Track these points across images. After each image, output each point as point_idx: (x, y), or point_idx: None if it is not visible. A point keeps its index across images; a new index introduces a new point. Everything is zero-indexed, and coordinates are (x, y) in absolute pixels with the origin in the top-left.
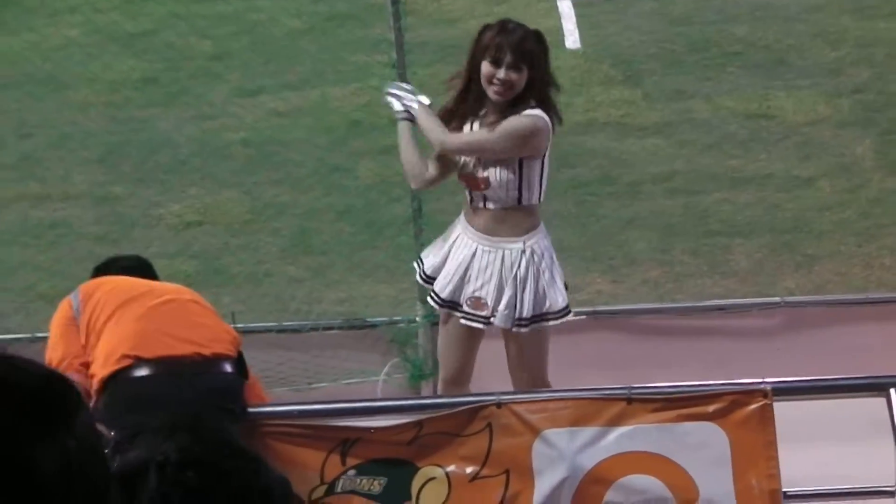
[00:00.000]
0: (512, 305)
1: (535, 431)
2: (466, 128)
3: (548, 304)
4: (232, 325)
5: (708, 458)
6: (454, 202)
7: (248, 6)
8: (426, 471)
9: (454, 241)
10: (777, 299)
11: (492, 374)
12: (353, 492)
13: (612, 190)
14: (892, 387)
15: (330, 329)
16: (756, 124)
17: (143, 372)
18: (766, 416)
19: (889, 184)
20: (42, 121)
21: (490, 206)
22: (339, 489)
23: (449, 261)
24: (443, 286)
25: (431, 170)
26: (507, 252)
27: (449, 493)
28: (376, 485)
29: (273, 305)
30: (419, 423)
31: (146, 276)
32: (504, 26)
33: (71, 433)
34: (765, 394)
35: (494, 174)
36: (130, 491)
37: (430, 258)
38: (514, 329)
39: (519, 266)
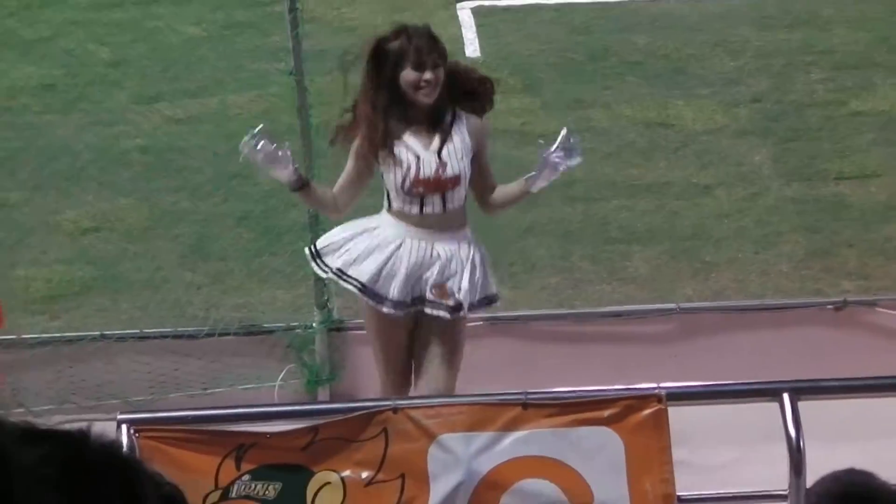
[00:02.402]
0: (468, 290)
1: (431, 436)
2: (412, 141)
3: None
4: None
5: (603, 463)
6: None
7: (146, 13)
8: (321, 476)
9: (398, 248)
10: (673, 305)
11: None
12: (247, 497)
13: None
14: (785, 392)
15: (227, 335)
16: (655, 133)
17: None
18: (660, 421)
19: (786, 192)
20: None
21: (449, 206)
22: (233, 494)
23: (399, 267)
24: (401, 289)
25: (344, 201)
26: (461, 241)
27: (344, 498)
28: (271, 490)
29: (171, 312)
30: (314, 429)
31: None
32: (410, 31)
33: None
34: (659, 399)
35: (463, 169)
36: None
37: (361, 265)
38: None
39: (471, 251)
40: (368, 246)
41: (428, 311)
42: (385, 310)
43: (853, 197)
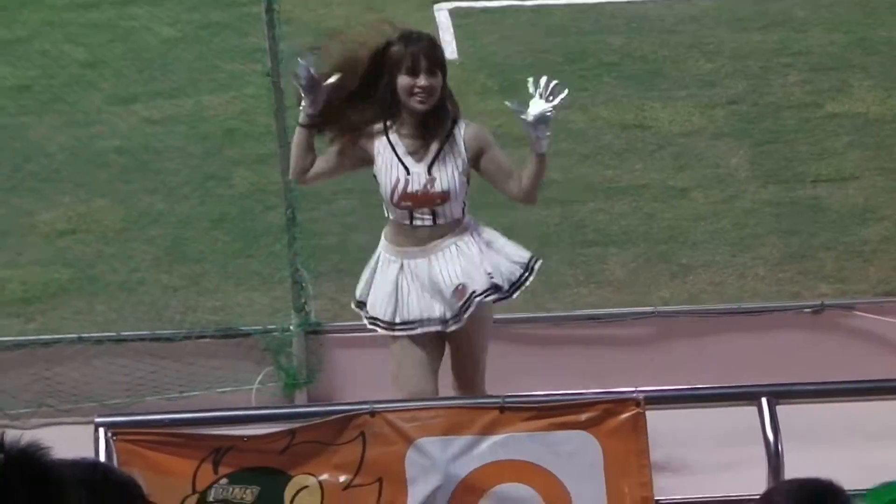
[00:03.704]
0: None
1: (409, 440)
2: (403, 153)
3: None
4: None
5: (580, 467)
6: (328, 210)
7: (122, 14)
8: (299, 479)
9: (398, 274)
10: (650, 308)
11: (365, 383)
12: (225, 500)
13: (489, 199)
14: (763, 396)
15: (203, 337)
16: (632, 135)
17: None
18: (638, 425)
19: (763, 195)
20: None
21: (440, 220)
22: (211, 498)
23: (409, 292)
24: (419, 308)
25: (314, 172)
26: (455, 239)
27: (322, 502)
28: (249, 493)
29: (147, 314)
30: (292, 432)
31: None
32: (409, 36)
33: None
34: (637, 402)
35: (454, 186)
36: None
37: (372, 299)
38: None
39: (471, 242)
40: (378, 283)
41: (464, 317)
42: (419, 331)
43: (830, 199)
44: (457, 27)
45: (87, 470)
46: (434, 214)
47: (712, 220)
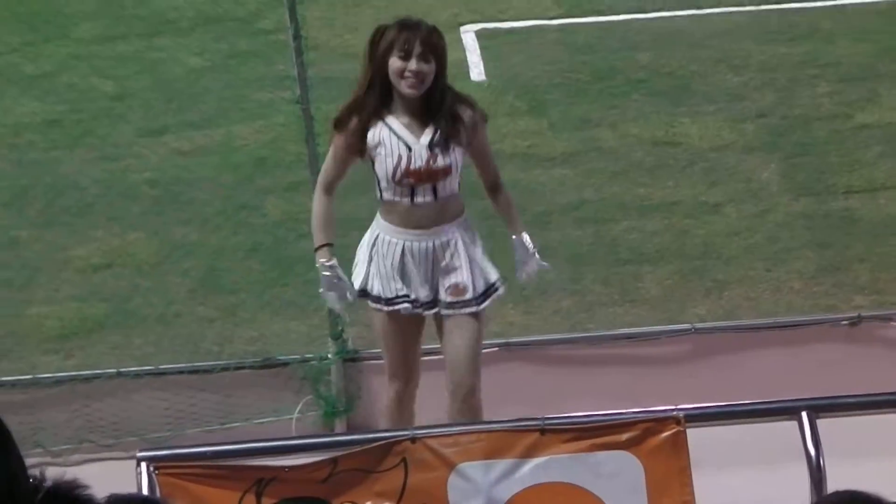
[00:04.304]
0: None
1: (450, 465)
2: (402, 132)
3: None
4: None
5: (623, 487)
6: (360, 237)
7: (149, 45)
8: None
9: (402, 257)
10: (687, 326)
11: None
12: None
13: (522, 220)
14: (803, 410)
15: (241, 368)
16: (662, 151)
17: None
18: (679, 443)
19: (795, 207)
20: None
21: (441, 195)
22: None
23: (410, 270)
24: (416, 288)
25: (332, 189)
26: (460, 233)
27: None
28: None
29: (184, 346)
30: (334, 461)
31: None
32: (406, 22)
33: None
34: (678, 420)
35: (454, 160)
36: None
37: (375, 283)
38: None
39: (474, 241)
40: (378, 267)
41: (449, 312)
42: (402, 309)
43: (863, 210)
44: (483, 48)
45: None
46: (435, 190)
47: (745, 234)
